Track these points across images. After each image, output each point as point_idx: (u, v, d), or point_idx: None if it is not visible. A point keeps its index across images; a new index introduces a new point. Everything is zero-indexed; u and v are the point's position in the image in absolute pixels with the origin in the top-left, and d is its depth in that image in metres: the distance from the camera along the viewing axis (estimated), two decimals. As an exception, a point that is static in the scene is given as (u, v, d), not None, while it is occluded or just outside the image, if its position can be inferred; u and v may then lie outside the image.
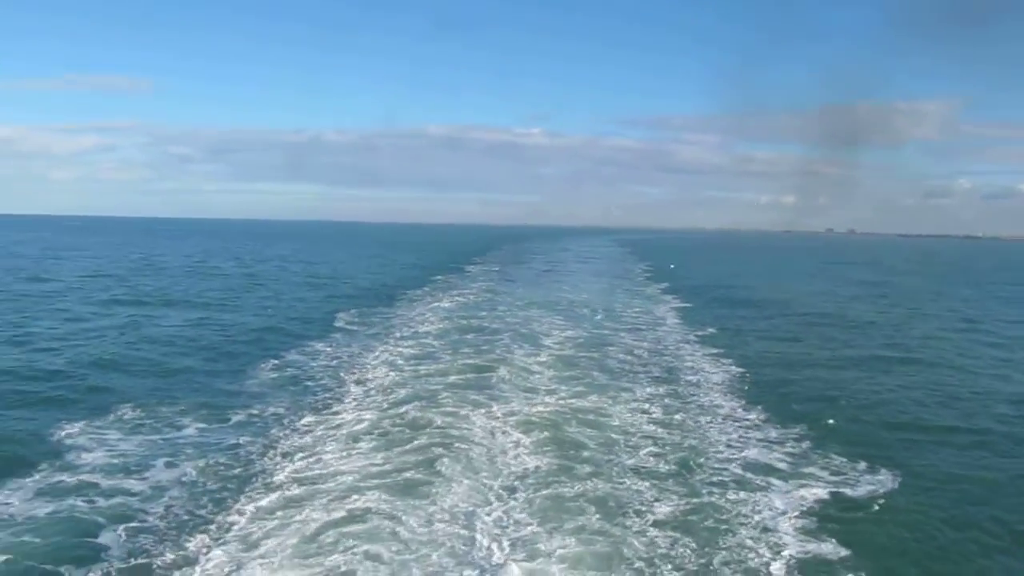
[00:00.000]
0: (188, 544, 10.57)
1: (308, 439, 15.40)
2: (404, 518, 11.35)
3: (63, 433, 15.20)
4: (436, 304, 38.94)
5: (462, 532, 11.05)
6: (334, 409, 17.72)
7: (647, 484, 13.16)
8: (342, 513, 11.52)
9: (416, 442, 14.98)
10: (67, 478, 12.75)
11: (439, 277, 56.05)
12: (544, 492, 12.62)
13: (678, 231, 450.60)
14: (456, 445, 14.76)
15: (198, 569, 9.85)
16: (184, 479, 13.06)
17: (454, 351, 24.82)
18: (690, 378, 22.00)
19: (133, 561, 10.12)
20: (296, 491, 12.47)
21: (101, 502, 11.90)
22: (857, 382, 22.73)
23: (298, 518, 11.37)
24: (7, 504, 11.75)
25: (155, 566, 9.97)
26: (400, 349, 25.46)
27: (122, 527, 11.06)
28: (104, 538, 10.73)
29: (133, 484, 12.70)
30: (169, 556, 10.22)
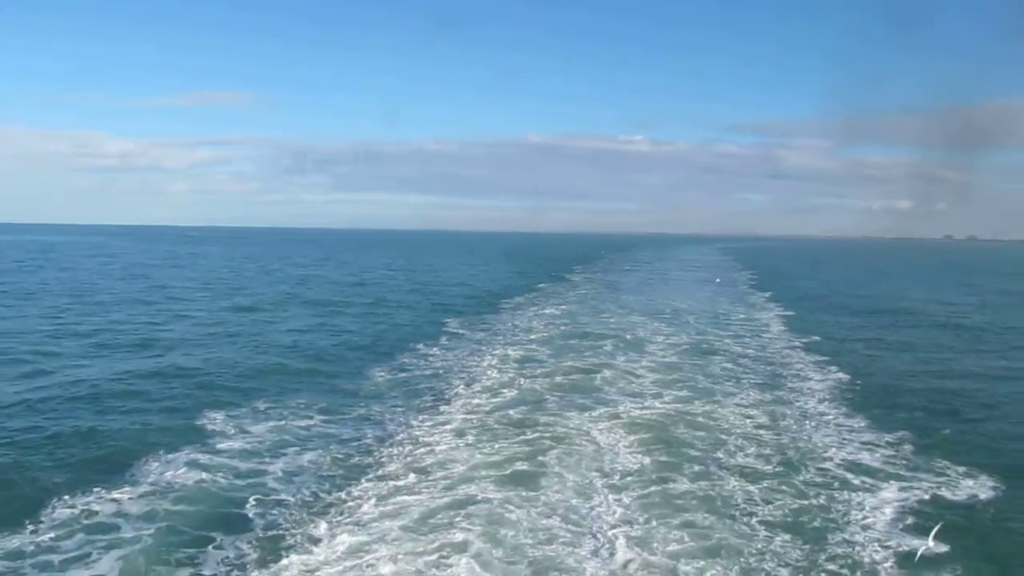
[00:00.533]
0: (313, 520, 11.56)
1: (420, 433, 16.26)
2: (513, 507, 11.93)
3: (207, 421, 16.72)
4: (540, 311, 39.64)
5: (570, 523, 11.53)
6: (443, 407, 18.55)
7: (753, 485, 13.33)
8: (453, 500, 12.24)
9: (523, 438, 15.61)
10: (212, 459, 14.14)
11: (543, 285, 56.77)
12: (651, 489, 12.97)
13: (783, 238, 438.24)
14: (562, 442, 15.30)
15: (321, 543, 10.74)
16: (310, 464, 14.21)
17: (558, 355, 25.37)
18: (795, 384, 21.84)
19: (267, 533, 11.17)
20: (409, 479, 13.31)
21: (241, 481, 13.18)
22: (972, 392, 22.01)
23: (411, 502, 12.20)
24: (164, 476, 13.18)
25: (285, 537, 10.99)
26: (506, 353, 26.19)
27: (259, 502, 12.23)
28: (245, 510, 11.91)
29: (267, 466, 13.96)
30: (297, 530, 11.23)
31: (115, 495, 12.19)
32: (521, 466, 13.89)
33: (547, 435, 15.79)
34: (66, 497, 11.97)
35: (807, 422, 17.60)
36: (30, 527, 11.02)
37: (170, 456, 14.12)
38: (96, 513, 11.53)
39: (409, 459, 14.52)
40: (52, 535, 10.83)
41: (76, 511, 11.57)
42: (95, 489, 12.31)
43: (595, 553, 10.63)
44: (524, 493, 12.55)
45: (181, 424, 16.52)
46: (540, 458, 14.30)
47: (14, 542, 10.58)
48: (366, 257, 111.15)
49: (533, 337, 30.23)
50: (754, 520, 11.88)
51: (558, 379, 21.50)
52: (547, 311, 39.52)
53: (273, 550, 10.55)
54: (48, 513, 11.47)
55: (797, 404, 19.37)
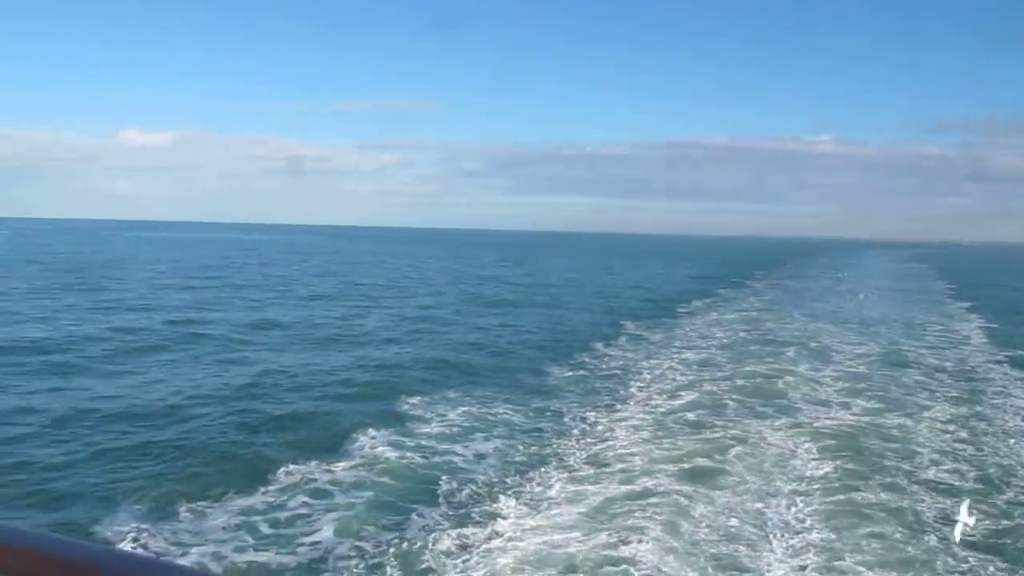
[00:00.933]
0: (497, 499, 12.45)
1: (597, 428, 16.87)
2: (693, 502, 12.18)
3: (405, 406, 18.23)
4: (719, 316, 39.13)
5: (752, 523, 11.62)
6: (620, 405, 19.00)
7: (948, 500, 12.82)
8: (631, 491, 12.67)
9: (702, 437, 15.78)
10: (410, 440, 15.51)
11: (722, 290, 55.77)
12: (837, 497, 12.73)
13: (984, 245, 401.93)
14: (741, 445, 15.32)
15: (506, 520, 11.54)
16: (496, 450, 15.21)
17: (739, 360, 25.09)
18: (997, 401, 20.40)
19: (458, 507, 12.17)
20: (587, 470, 13.92)
21: (437, 459, 14.39)
22: None
23: (590, 491, 12.76)
24: (370, 452, 14.60)
25: (472, 513, 11.93)
26: (684, 356, 26.23)
27: (451, 479, 13.29)
28: (439, 485, 13.00)
29: (458, 448, 15.11)
30: (484, 507, 12.15)
31: (329, 467, 13.66)
32: (701, 463, 14.11)
33: (727, 436, 15.86)
34: (289, 467, 13.54)
35: (1011, 440, 16.53)
36: (260, 489, 12.61)
37: (374, 435, 15.56)
38: (314, 481, 12.98)
39: (586, 451, 15.12)
40: (278, 497, 12.36)
41: (297, 479, 13.07)
42: (312, 462, 13.83)
43: (777, 555, 10.69)
44: (704, 490, 12.75)
45: (382, 408, 18.03)
46: (719, 457, 14.45)
47: (249, 501, 12.15)
48: (542, 258, 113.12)
49: (712, 341, 29.99)
50: (948, 537, 11.46)
51: (739, 382, 21.35)
52: (727, 316, 38.94)
53: (462, 522, 11.50)
54: (275, 479, 13.05)
55: (999, 421, 18.16)
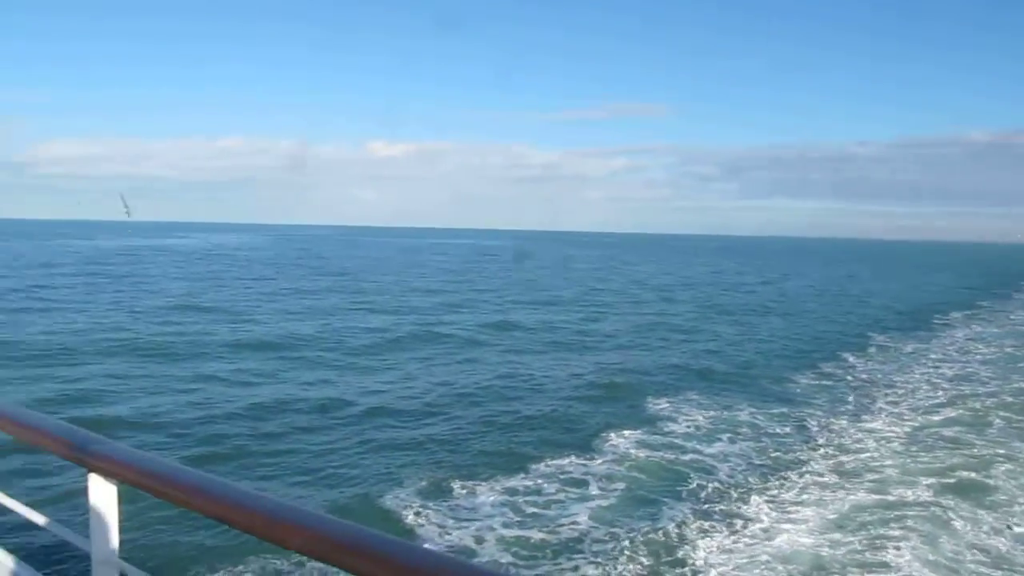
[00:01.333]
0: (745, 499, 12.81)
1: (845, 438, 16.60)
2: (952, 518, 11.77)
3: (651, 408, 19.04)
4: (982, 329, 36.11)
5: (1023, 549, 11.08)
6: (869, 417, 18.44)
7: None
8: (881, 500, 12.54)
9: (963, 454, 15.03)
10: (659, 438, 16.34)
11: (984, 302, 51.05)
12: None
13: None
14: (1011, 463, 14.39)
15: (751, 520, 11.87)
16: (740, 451, 15.58)
17: (1005, 377, 23.22)
18: None
19: (705, 503, 12.66)
20: (833, 478, 13.88)
21: (685, 457, 15.04)
22: None
23: (836, 497, 12.79)
24: (620, 448, 15.51)
25: (719, 509, 12.39)
26: (941, 370, 24.69)
27: (698, 477, 13.89)
28: (687, 484, 13.60)
29: (704, 448, 15.63)
30: (730, 505, 12.58)
31: (582, 461, 14.73)
32: (965, 477, 13.56)
33: (994, 454, 14.98)
34: (547, 459, 14.76)
35: None
36: (521, 475, 13.89)
37: (623, 433, 16.46)
38: (569, 472, 14.10)
39: (833, 459, 15.03)
40: (537, 482, 13.57)
41: (552, 469, 14.25)
42: (567, 456, 14.97)
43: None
44: (967, 507, 12.27)
45: (627, 409, 18.91)
46: (985, 474, 13.74)
47: (511, 483, 13.49)
48: (778, 264, 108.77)
49: (974, 356, 27.90)
50: None
51: (1007, 399, 19.84)
52: (991, 330, 35.89)
53: (710, 517, 12.01)
54: (533, 468, 14.25)
55: None
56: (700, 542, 11.12)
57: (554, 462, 14.57)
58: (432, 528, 11.57)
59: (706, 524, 11.72)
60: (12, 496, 2.57)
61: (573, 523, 11.82)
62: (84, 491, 2.17)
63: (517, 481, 13.53)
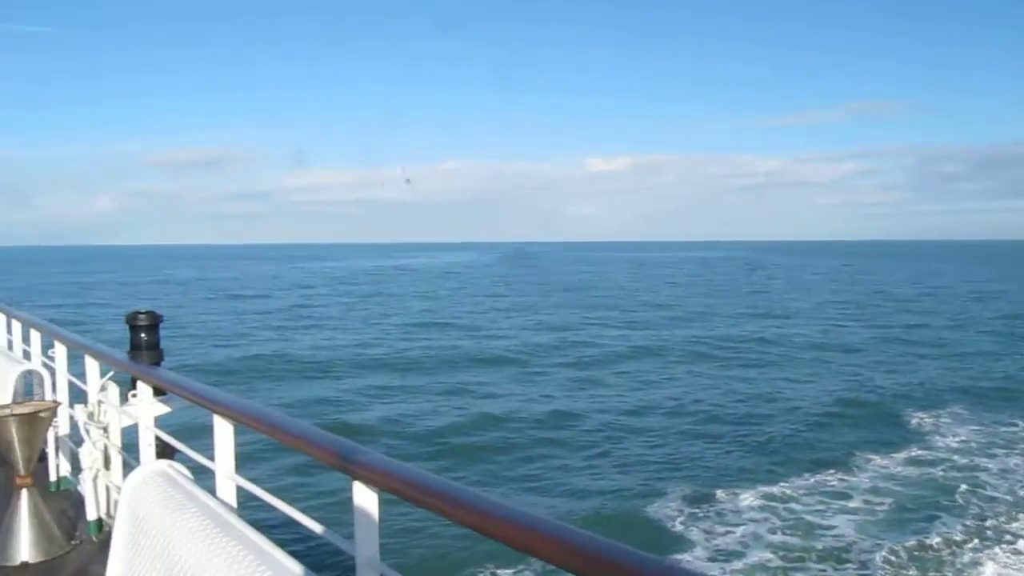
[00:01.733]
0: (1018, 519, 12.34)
1: None
2: None
3: (916, 421, 18.62)
4: None
5: None
6: None
7: None
8: None
9: None
10: (927, 453, 16.07)
11: None
12: None
13: None
14: None
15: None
16: (1018, 466, 14.95)
17: None
18: None
19: (977, 520, 12.30)
20: None
21: (956, 472, 14.68)
22: None
23: None
24: (886, 463, 15.43)
25: (990, 527, 12.03)
26: None
27: (971, 492, 13.54)
28: (955, 498, 13.29)
29: (978, 463, 15.19)
30: (1006, 522, 12.21)
31: (842, 474, 14.78)
32: None
33: None
34: (804, 473, 14.89)
35: None
36: (780, 486, 14.15)
37: (886, 447, 16.34)
38: (831, 485, 14.23)
39: None
40: (798, 494, 13.74)
41: (811, 482, 14.41)
42: (825, 470, 15.04)
43: None
44: None
45: (888, 423, 18.59)
46: None
47: (771, 494, 13.73)
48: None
49: None
50: None
51: None
52: None
53: (982, 535, 11.73)
54: (791, 481, 14.43)
55: None
56: (967, 556, 10.88)
57: (813, 476, 14.69)
58: (699, 534, 12.04)
59: (981, 542, 11.46)
60: (286, 501, 2.72)
61: (838, 534, 11.89)
62: (348, 498, 2.27)
63: (777, 492, 13.89)
